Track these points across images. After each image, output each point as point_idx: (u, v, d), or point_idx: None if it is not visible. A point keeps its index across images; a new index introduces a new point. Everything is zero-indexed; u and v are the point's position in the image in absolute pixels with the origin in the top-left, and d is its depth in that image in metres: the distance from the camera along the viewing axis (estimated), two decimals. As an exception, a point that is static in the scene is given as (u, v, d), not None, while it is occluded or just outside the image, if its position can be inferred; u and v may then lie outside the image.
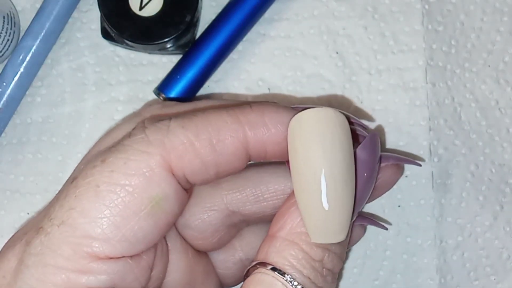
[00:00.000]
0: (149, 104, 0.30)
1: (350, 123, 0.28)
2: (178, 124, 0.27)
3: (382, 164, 0.30)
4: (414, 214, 0.39)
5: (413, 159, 0.33)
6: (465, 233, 0.38)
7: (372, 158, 0.29)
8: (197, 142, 0.27)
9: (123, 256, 0.27)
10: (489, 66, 0.38)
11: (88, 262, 0.26)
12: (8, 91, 0.38)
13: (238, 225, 0.33)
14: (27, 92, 0.39)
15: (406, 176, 0.39)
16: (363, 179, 0.28)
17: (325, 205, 0.26)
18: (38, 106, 0.39)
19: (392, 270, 0.39)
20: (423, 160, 0.39)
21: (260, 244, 0.30)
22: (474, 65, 0.38)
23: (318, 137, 0.27)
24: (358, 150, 0.28)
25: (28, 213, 0.39)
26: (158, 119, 0.28)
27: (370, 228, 0.37)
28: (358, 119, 0.31)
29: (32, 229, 0.28)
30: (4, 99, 0.38)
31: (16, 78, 0.38)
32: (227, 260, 0.34)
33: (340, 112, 0.27)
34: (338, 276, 0.29)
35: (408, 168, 0.39)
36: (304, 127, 0.27)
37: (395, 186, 0.37)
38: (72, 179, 0.28)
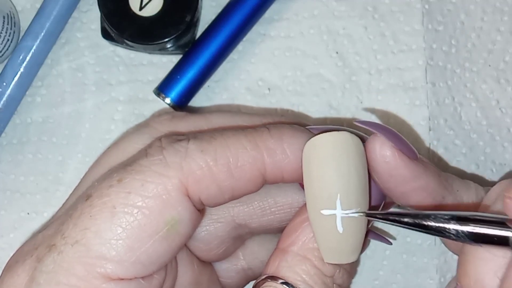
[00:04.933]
0: (158, 115, 0.30)
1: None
2: (196, 147, 0.27)
3: None
4: (414, 214, 0.39)
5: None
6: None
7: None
8: (215, 167, 0.27)
9: (136, 278, 0.27)
10: (489, 65, 0.38)
11: (100, 282, 0.26)
12: (8, 91, 0.38)
13: (243, 236, 0.33)
14: (27, 92, 0.39)
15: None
16: (377, 202, 0.29)
17: (340, 229, 0.27)
18: (38, 106, 0.39)
19: (392, 270, 0.39)
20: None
21: (265, 255, 0.30)
22: (474, 64, 0.38)
23: (333, 161, 0.27)
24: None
25: (28, 213, 0.39)
26: (175, 139, 0.28)
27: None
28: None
29: (42, 245, 0.27)
30: (4, 99, 0.38)
31: (16, 78, 0.38)
32: (230, 269, 0.34)
33: (355, 134, 0.27)
34: None
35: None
36: (319, 152, 0.27)
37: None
38: (87, 196, 0.27)
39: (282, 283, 0.27)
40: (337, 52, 0.40)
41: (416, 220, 0.26)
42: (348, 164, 0.27)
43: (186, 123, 0.30)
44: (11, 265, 0.28)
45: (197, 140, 0.28)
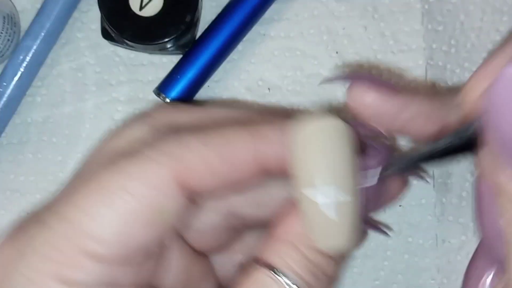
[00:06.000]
0: (159, 105, 0.30)
1: (363, 127, 0.29)
2: (194, 137, 0.27)
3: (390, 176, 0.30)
4: (415, 213, 0.39)
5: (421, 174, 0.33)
6: (468, 233, 0.38)
7: (378, 169, 0.29)
8: (213, 160, 0.27)
9: (120, 261, 0.27)
10: (489, 65, 0.38)
11: (86, 260, 0.26)
12: (9, 91, 0.38)
13: (238, 228, 0.33)
14: (27, 92, 0.39)
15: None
16: (370, 189, 0.28)
17: (330, 215, 0.26)
18: (39, 106, 0.39)
19: (393, 270, 0.39)
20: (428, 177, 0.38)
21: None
22: (474, 64, 0.38)
23: (319, 146, 0.27)
24: (367, 159, 0.28)
25: (28, 213, 0.39)
26: (174, 129, 0.28)
27: (371, 228, 0.37)
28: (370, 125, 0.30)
29: (32, 219, 0.28)
30: (4, 99, 0.38)
31: (16, 78, 0.38)
32: (226, 263, 0.34)
33: (342, 120, 0.27)
34: (335, 281, 0.29)
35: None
36: (306, 138, 0.27)
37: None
38: (81, 176, 0.28)
39: (269, 269, 0.27)
40: (337, 52, 0.40)
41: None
42: (334, 149, 0.26)
43: (186, 114, 0.30)
44: (3, 240, 0.28)
45: (195, 131, 0.28)
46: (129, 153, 0.27)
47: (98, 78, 0.39)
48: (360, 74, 0.28)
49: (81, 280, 0.26)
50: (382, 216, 0.39)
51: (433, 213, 0.39)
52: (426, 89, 0.39)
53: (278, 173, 0.29)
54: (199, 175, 0.27)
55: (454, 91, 0.30)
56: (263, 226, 0.32)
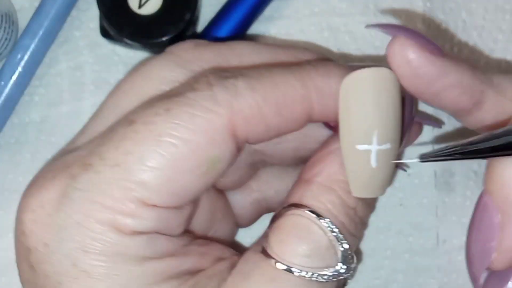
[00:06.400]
0: (181, 43, 0.30)
1: None
2: (246, 85, 0.27)
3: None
4: (416, 213, 0.39)
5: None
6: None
7: (412, 114, 0.29)
8: (265, 107, 0.27)
9: (169, 207, 0.27)
10: (491, 64, 0.38)
11: (135, 206, 0.26)
12: (6, 90, 0.38)
13: (257, 164, 0.33)
14: (25, 91, 0.39)
15: (409, 175, 0.39)
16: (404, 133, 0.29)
17: (374, 164, 0.27)
18: (37, 105, 0.39)
19: (393, 269, 0.39)
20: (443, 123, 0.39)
21: (279, 185, 0.32)
22: (476, 63, 0.38)
23: (373, 97, 0.27)
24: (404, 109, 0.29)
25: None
26: (223, 75, 0.27)
27: (371, 228, 0.37)
28: None
29: (76, 163, 0.27)
30: (2, 98, 0.38)
31: (14, 77, 0.38)
32: (243, 200, 0.34)
33: (390, 69, 0.27)
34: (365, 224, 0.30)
35: (411, 167, 0.39)
36: (359, 87, 0.27)
37: (397, 185, 0.38)
38: (130, 122, 0.27)
39: (309, 211, 0.27)
40: (338, 49, 0.39)
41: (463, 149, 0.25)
42: (387, 99, 0.27)
43: (210, 51, 0.30)
44: (37, 181, 0.28)
45: (246, 77, 0.27)
46: (179, 100, 0.27)
47: (97, 77, 0.39)
48: (407, 28, 0.27)
49: (133, 227, 0.26)
50: (383, 215, 0.39)
51: (435, 213, 0.39)
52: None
53: (320, 120, 0.29)
54: (253, 124, 0.27)
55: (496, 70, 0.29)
56: (280, 163, 0.33)
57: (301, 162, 0.33)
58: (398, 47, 0.27)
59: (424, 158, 0.26)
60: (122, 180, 0.26)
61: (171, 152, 0.26)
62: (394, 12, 0.39)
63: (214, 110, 0.26)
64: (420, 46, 0.27)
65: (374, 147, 0.27)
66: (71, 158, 0.28)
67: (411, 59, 0.27)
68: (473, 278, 0.28)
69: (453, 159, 0.26)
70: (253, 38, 0.39)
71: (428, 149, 0.39)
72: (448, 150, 0.26)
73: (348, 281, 0.37)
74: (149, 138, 0.26)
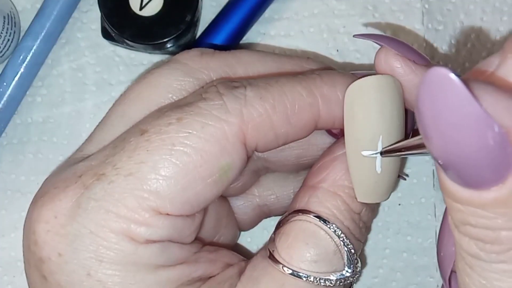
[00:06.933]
0: (186, 51, 0.30)
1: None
2: (255, 94, 0.27)
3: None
4: (414, 212, 0.39)
5: None
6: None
7: (414, 120, 0.30)
8: (274, 115, 0.27)
9: (181, 215, 0.27)
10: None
11: (149, 215, 0.26)
12: (9, 91, 0.38)
13: (260, 171, 0.34)
14: (27, 92, 0.39)
15: (407, 175, 0.39)
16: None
17: (378, 170, 0.28)
18: (39, 106, 0.39)
19: (392, 268, 0.39)
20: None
21: (280, 191, 0.32)
22: (474, 64, 0.38)
23: (378, 104, 0.27)
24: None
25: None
26: (231, 85, 0.28)
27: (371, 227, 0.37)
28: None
29: (88, 173, 0.27)
30: (4, 99, 0.38)
31: (16, 78, 0.38)
32: (246, 206, 0.35)
33: (393, 76, 0.28)
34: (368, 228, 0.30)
35: (409, 167, 0.39)
36: (364, 94, 0.27)
37: (395, 185, 0.37)
38: (142, 131, 0.27)
39: (315, 216, 0.28)
40: (337, 50, 0.40)
41: None
42: (391, 106, 0.27)
43: (216, 60, 0.30)
44: (48, 191, 0.28)
45: (254, 87, 0.28)
46: (191, 110, 0.27)
47: (98, 78, 0.39)
48: (394, 38, 0.28)
49: (147, 236, 0.26)
50: (382, 214, 0.39)
51: (433, 213, 0.39)
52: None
53: (325, 128, 0.29)
54: (263, 132, 0.27)
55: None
56: (281, 170, 0.33)
57: (303, 169, 0.33)
58: (383, 56, 0.28)
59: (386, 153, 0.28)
60: (135, 190, 0.26)
61: (184, 161, 0.26)
62: (392, 14, 0.39)
63: (225, 119, 0.27)
64: (405, 56, 0.28)
65: (378, 153, 0.27)
66: (82, 168, 0.28)
67: (395, 67, 0.28)
68: (443, 279, 0.29)
69: (412, 154, 0.27)
70: (251, 44, 0.39)
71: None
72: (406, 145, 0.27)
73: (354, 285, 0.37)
74: (161, 147, 0.26)
